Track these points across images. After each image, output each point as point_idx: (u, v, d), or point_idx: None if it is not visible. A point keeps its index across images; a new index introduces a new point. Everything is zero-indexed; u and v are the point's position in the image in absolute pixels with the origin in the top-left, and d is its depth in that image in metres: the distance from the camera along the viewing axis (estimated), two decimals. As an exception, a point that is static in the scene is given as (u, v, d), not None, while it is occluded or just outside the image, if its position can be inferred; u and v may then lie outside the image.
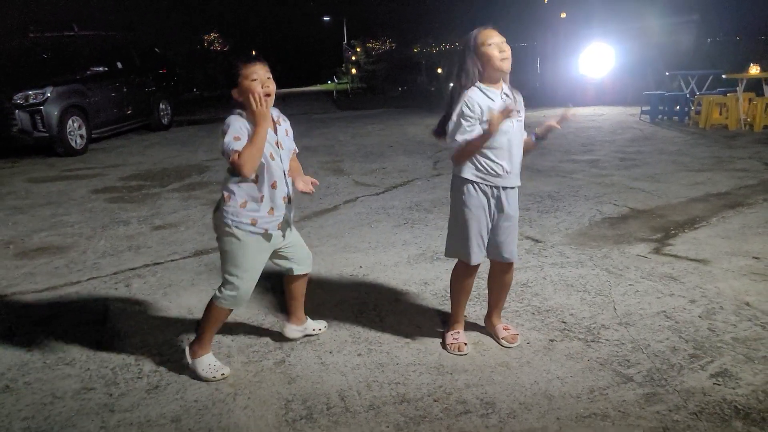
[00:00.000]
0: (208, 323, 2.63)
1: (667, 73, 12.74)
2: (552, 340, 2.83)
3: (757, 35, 15.10)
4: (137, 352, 2.89)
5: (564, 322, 3.01)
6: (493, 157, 2.57)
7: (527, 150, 2.72)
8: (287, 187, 2.55)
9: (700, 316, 3.01)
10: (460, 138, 2.52)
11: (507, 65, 2.52)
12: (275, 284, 3.69)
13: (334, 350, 2.82)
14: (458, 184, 2.69)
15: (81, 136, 9.94)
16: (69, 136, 9.62)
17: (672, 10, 15.67)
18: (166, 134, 12.34)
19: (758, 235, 4.22)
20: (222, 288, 2.55)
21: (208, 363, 2.62)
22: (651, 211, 4.99)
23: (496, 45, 2.49)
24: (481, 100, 2.51)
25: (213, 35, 31.80)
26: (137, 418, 2.34)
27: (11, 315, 3.43)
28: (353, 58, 28.42)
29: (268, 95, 2.39)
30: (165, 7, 22.51)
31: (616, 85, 14.65)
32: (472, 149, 2.52)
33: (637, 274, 3.62)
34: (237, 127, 2.36)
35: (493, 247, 2.74)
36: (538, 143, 2.75)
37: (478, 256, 2.71)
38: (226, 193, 2.47)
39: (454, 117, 2.53)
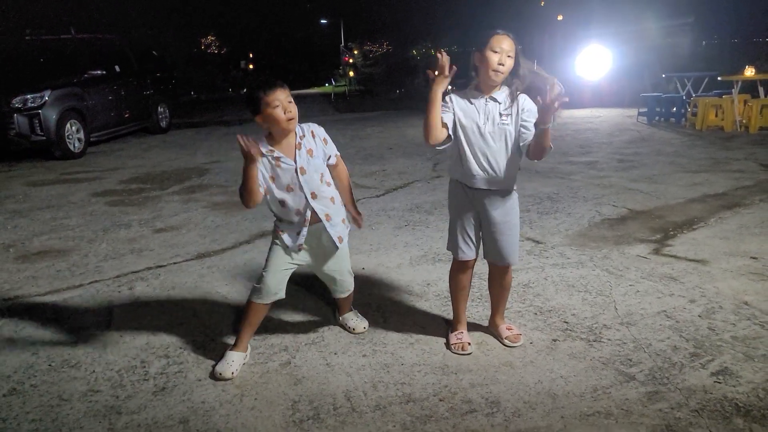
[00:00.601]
0: (244, 319, 2.77)
1: (663, 75, 12.81)
2: (555, 340, 2.86)
3: (751, 38, 15.20)
4: (143, 354, 2.91)
5: (566, 322, 3.05)
6: (467, 159, 2.62)
7: (542, 145, 2.60)
8: (309, 210, 2.64)
9: (700, 316, 3.04)
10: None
11: (498, 78, 2.55)
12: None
13: (339, 351, 2.85)
14: (450, 181, 2.80)
15: (79, 140, 9.95)
16: (67, 140, 9.63)
17: (668, 13, 15.76)
18: (164, 137, 12.36)
19: (755, 236, 4.26)
20: (256, 282, 2.75)
21: (232, 359, 2.69)
22: (650, 212, 5.03)
23: (499, 53, 2.52)
24: (459, 101, 2.61)
25: (210, 38, 31.83)
26: (144, 420, 2.36)
27: (15, 318, 3.45)
28: (350, 60, 28.48)
29: (291, 119, 2.52)
30: (162, 10, 22.52)
31: (613, 87, 14.72)
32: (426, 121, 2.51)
33: (638, 274, 3.65)
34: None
35: (486, 250, 2.79)
36: (548, 128, 2.57)
37: (464, 253, 2.78)
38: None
39: None
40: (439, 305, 3.33)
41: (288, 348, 2.90)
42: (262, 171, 2.54)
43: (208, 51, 31.70)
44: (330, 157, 2.73)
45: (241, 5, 35.51)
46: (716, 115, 9.88)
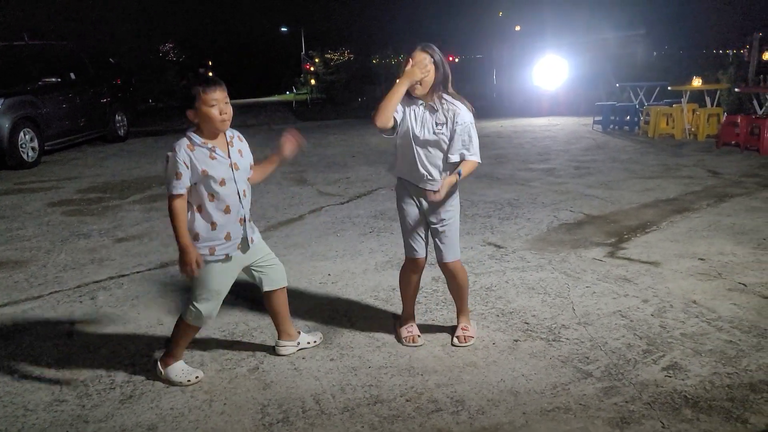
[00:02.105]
0: (178, 338, 2.70)
1: (617, 85, 13.22)
2: (516, 340, 2.96)
3: (698, 49, 15.83)
4: (108, 363, 2.90)
5: (527, 323, 3.15)
6: (407, 161, 2.79)
7: (451, 183, 2.72)
8: (243, 208, 2.60)
9: (652, 315, 3.19)
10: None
11: (419, 91, 2.73)
12: (246, 294, 3.74)
13: (307, 356, 2.89)
14: (397, 180, 2.95)
15: (33, 149, 9.70)
16: (20, 149, 9.39)
17: (621, 25, 16.30)
18: (122, 146, 12.15)
19: (703, 238, 4.47)
20: (190, 306, 2.61)
21: (180, 369, 2.68)
22: (605, 216, 5.22)
23: (415, 65, 2.72)
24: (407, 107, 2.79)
25: (169, 45, 31.40)
26: (112, 428, 2.36)
27: (-26, 330, 3.38)
28: (311, 68, 28.47)
29: (224, 120, 2.48)
30: (119, 17, 22.16)
31: (569, 96, 15.13)
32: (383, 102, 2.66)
33: (594, 276, 3.80)
34: (181, 158, 2.43)
35: (435, 249, 2.93)
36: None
37: (415, 251, 2.92)
38: (193, 232, 2.53)
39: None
40: (404, 309, 3.40)
41: (256, 353, 2.93)
42: (194, 164, 2.45)
43: (167, 58, 31.25)
44: (251, 164, 2.69)
45: (200, 12, 35.21)
46: (667, 124, 10.25)
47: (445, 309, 3.38)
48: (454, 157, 2.76)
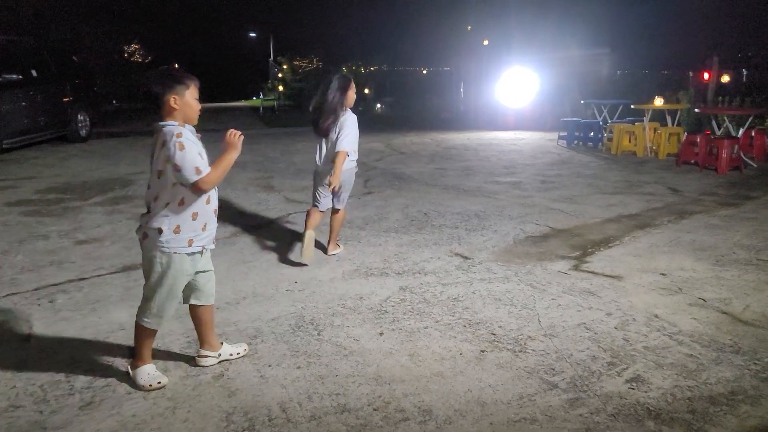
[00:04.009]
0: (140, 341, 2.65)
1: (582, 101, 13.51)
2: (483, 351, 2.98)
3: (660, 70, 16.29)
4: (67, 368, 2.81)
5: (493, 334, 3.18)
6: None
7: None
8: (216, 200, 2.66)
9: (615, 328, 3.25)
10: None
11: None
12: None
13: (273, 364, 2.85)
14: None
15: (-9, 146, 9.42)
16: (-23, 146, 9.09)
17: (587, 43, 16.65)
18: (84, 146, 11.87)
19: (664, 254, 4.58)
20: (146, 309, 2.58)
21: (147, 372, 2.63)
22: (570, 230, 5.31)
23: (355, 92, 4.44)
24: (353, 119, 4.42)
25: (134, 46, 30.83)
26: (70, 435, 2.29)
27: (-77, 332, 3.24)
28: (279, 75, 28.33)
29: (198, 114, 2.58)
30: (84, 15, 21.68)
31: (535, 111, 15.38)
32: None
33: (559, 289, 3.85)
34: (196, 150, 2.46)
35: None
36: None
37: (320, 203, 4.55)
38: (156, 225, 2.49)
39: (354, 132, 4.40)
40: (372, 318, 3.39)
41: (221, 361, 2.88)
42: (198, 149, 2.49)
43: (132, 59, 30.69)
44: None
45: (168, 14, 34.70)
46: (630, 141, 10.51)
47: (413, 318, 3.38)
48: None
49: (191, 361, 2.86)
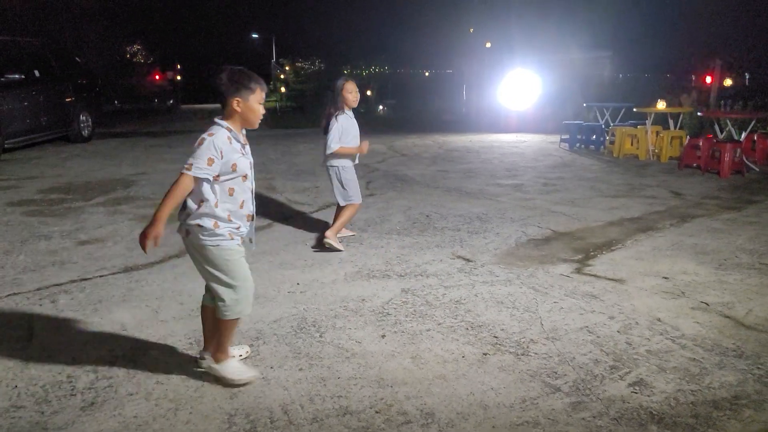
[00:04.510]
0: (226, 336, 2.65)
1: (584, 104, 13.51)
2: (485, 354, 2.98)
3: (663, 73, 16.30)
4: (69, 369, 2.81)
5: (496, 337, 3.17)
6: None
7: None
8: (252, 205, 2.66)
9: (618, 331, 3.24)
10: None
11: (355, 104, 4.76)
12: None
13: (275, 365, 2.85)
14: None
15: (-7, 146, 9.42)
16: (-20, 146, 9.10)
17: (589, 46, 16.67)
18: (86, 146, 11.87)
19: (667, 257, 4.57)
20: (225, 301, 2.56)
21: (235, 366, 2.67)
22: (572, 233, 5.30)
23: (352, 93, 4.69)
24: (347, 121, 4.72)
25: (137, 47, 30.87)
26: (72, 436, 2.28)
27: (-75, 332, 3.24)
28: (282, 76, 28.33)
29: (260, 119, 2.62)
30: (87, 16, 21.71)
31: (537, 114, 15.38)
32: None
33: (561, 292, 3.85)
34: (218, 145, 2.46)
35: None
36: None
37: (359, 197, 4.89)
38: (195, 222, 2.51)
39: (334, 134, 4.67)
40: (374, 320, 3.39)
41: (223, 362, 2.87)
42: (226, 157, 2.47)
43: (134, 59, 30.71)
44: None
45: (170, 14, 34.72)
46: (632, 144, 10.50)
47: (415, 321, 3.38)
48: None
49: (194, 362, 2.86)
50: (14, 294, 3.82)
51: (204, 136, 2.47)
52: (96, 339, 3.14)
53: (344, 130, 4.68)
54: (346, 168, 4.78)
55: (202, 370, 2.77)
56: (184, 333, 3.18)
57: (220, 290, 2.56)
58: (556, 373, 2.78)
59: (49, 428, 2.33)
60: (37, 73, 11.21)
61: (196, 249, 2.57)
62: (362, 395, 2.58)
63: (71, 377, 2.73)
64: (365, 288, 3.92)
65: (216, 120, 2.55)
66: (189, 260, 4.41)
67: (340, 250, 4.68)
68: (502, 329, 3.27)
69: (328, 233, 4.73)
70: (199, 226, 2.51)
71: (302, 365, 2.85)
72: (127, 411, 2.45)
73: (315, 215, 6.02)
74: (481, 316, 3.46)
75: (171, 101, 23.58)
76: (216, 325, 2.68)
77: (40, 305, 3.62)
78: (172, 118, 20.36)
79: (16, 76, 10.48)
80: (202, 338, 3.11)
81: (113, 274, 4.21)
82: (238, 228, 2.59)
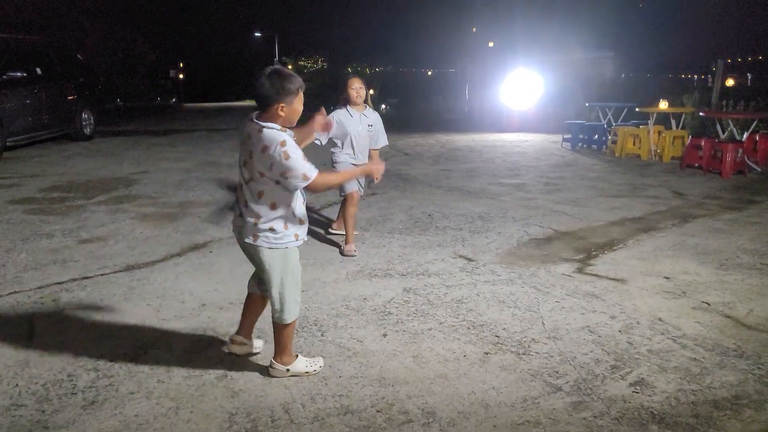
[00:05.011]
0: (286, 338, 2.71)
1: (586, 104, 13.49)
2: (487, 353, 2.97)
3: (665, 73, 16.28)
4: (70, 367, 2.81)
5: (497, 336, 3.17)
6: (348, 149, 4.80)
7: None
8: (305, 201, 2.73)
9: (619, 331, 3.24)
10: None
11: (359, 101, 4.69)
12: (213, 301, 3.69)
13: (276, 364, 2.85)
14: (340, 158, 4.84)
15: (-5, 144, 9.43)
16: (-18, 144, 9.11)
17: (592, 46, 16.65)
18: (88, 145, 11.89)
19: (669, 257, 4.57)
20: (282, 308, 2.63)
21: (305, 361, 2.76)
22: (573, 233, 5.30)
23: (355, 89, 4.66)
24: (342, 116, 4.71)
25: (139, 45, 30.87)
26: (73, 434, 2.28)
27: (-73, 330, 3.24)
28: (284, 75, 28.26)
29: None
30: (89, 14, 21.73)
31: (539, 113, 15.37)
32: None
33: (563, 291, 3.84)
34: (294, 147, 2.48)
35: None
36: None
37: (353, 187, 4.73)
38: (268, 225, 2.54)
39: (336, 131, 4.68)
40: (375, 319, 3.39)
41: (224, 360, 2.88)
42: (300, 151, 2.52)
43: (136, 57, 30.73)
44: None
45: (173, 13, 34.73)
46: (634, 144, 10.49)
47: (416, 320, 3.38)
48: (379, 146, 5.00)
49: (193, 362, 2.86)
50: (15, 292, 3.82)
51: (279, 150, 2.42)
52: (97, 337, 3.14)
53: (337, 124, 4.59)
54: (341, 160, 4.78)
55: (230, 352, 2.90)
56: (185, 332, 3.18)
57: (276, 297, 2.64)
58: (557, 372, 2.78)
59: (50, 427, 2.33)
60: (39, 71, 11.23)
61: (261, 254, 2.58)
62: (363, 394, 2.58)
63: (72, 376, 2.73)
64: (367, 287, 3.92)
65: (263, 124, 2.48)
66: (191, 259, 4.48)
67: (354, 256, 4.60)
68: (504, 328, 3.27)
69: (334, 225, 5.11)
70: (271, 229, 2.54)
71: (303, 364, 2.85)
72: (128, 410, 2.45)
73: (316, 214, 6.02)
74: (482, 315, 3.46)
75: (174, 100, 23.62)
76: (274, 331, 2.73)
77: (42, 304, 3.62)
78: (174, 117, 20.38)
79: (19, 74, 10.49)
80: (201, 338, 3.14)
81: (114, 272, 4.22)
82: (299, 230, 2.64)
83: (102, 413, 2.43)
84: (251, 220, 2.55)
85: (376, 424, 2.36)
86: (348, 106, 4.69)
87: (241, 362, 2.87)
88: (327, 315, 3.46)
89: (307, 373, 2.73)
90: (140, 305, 3.59)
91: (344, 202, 4.79)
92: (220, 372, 2.77)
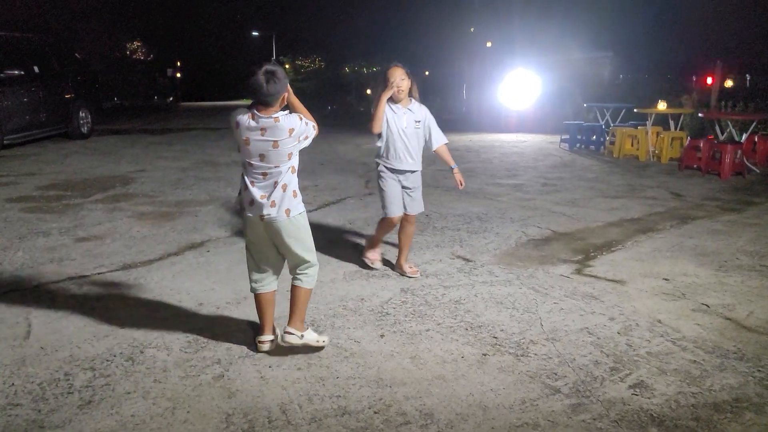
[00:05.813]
0: (305, 306, 2.99)
1: (584, 105, 13.48)
2: (485, 354, 2.96)
3: (664, 74, 16.28)
4: (66, 366, 2.79)
5: (495, 338, 3.16)
6: (392, 152, 4.05)
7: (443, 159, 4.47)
8: None
9: (618, 333, 3.23)
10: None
11: (401, 95, 3.97)
12: (210, 300, 3.67)
13: (274, 365, 2.83)
14: (380, 165, 4.12)
15: (-8, 142, 9.40)
16: (-21, 142, 9.07)
17: (590, 46, 16.66)
18: (85, 143, 11.85)
19: (667, 259, 4.56)
20: (307, 271, 2.98)
21: (313, 333, 3.00)
22: (572, 234, 5.29)
23: (393, 80, 3.88)
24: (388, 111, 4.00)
25: (136, 44, 30.83)
26: (69, 435, 2.27)
27: None
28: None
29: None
30: (87, 13, 21.69)
31: (537, 114, 15.36)
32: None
33: (561, 292, 3.83)
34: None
35: (406, 205, 4.12)
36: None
37: (394, 212, 4.06)
38: (293, 190, 2.85)
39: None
40: (373, 320, 3.38)
41: (221, 361, 2.86)
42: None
43: (134, 56, 30.67)
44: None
45: (170, 12, 34.68)
46: (632, 145, 10.49)
47: (414, 321, 3.36)
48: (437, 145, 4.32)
49: (191, 362, 2.84)
50: (12, 291, 3.80)
51: (299, 122, 2.79)
52: (94, 337, 3.12)
53: (387, 123, 3.98)
54: (382, 174, 4.09)
55: (286, 343, 2.93)
56: (182, 331, 3.17)
57: (309, 255, 2.96)
58: (555, 374, 2.77)
59: (46, 426, 2.31)
60: (36, 69, 11.19)
61: (296, 222, 2.86)
62: (361, 395, 2.57)
63: (68, 375, 2.71)
64: (364, 287, 3.90)
65: (276, 115, 2.73)
66: (188, 258, 4.46)
67: (373, 268, 4.26)
68: (502, 330, 3.26)
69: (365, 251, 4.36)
70: (294, 194, 2.84)
71: (300, 364, 2.84)
72: (124, 410, 2.43)
73: (314, 214, 6.00)
74: (480, 316, 3.45)
75: (171, 98, 23.57)
76: (299, 298, 2.98)
77: (38, 302, 3.60)
78: (171, 116, 20.33)
79: (16, 72, 10.46)
80: (199, 337, 3.12)
81: (111, 271, 4.20)
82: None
83: (98, 413, 2.41)
84: (279, 194, 2.78)
85: (374, 426, 2.34)
86: (391, 104, 3.99)
87: (239, 362, 2.85)
88: (324, 315, 3.44)
89: (317, 343, 2.94)
90: (137, 304, 3.57)
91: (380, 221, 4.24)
92: (217, 372, 2.75)
